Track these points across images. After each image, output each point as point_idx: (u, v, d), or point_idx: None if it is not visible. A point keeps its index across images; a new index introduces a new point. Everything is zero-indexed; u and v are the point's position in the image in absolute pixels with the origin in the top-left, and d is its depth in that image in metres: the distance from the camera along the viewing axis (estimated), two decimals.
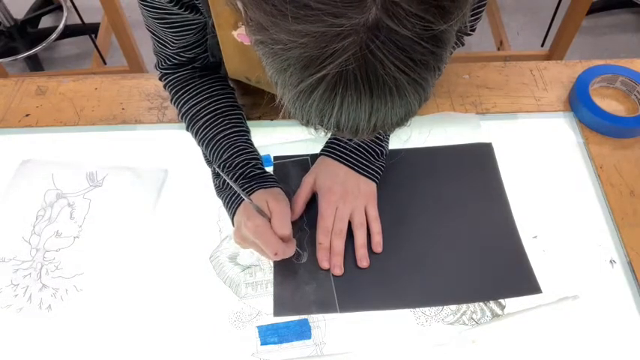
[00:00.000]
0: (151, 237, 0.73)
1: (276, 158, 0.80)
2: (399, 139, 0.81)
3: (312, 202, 0.74)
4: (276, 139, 0.82)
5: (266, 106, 0.85)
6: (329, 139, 0.77)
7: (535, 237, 0.72)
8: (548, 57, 1.81)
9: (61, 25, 2.03)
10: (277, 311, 0.67)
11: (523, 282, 0.68)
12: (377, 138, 0.75)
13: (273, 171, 0.79)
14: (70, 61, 2.15)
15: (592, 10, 1.87)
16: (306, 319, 0.66)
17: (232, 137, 0.73)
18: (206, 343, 0.65)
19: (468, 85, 0.88)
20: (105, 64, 1.93)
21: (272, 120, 0.84)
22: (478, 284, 0.68)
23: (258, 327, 0.66)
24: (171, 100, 0.79)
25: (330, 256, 0.69)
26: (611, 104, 0.85)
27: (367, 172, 0.73)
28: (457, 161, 0.79)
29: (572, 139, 0.81)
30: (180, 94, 0.77)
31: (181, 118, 0.78)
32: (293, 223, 0.72)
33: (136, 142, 0.83)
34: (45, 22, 2.20)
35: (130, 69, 1.83)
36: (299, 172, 0.78)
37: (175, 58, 0.75)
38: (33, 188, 0.78)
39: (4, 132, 0.85)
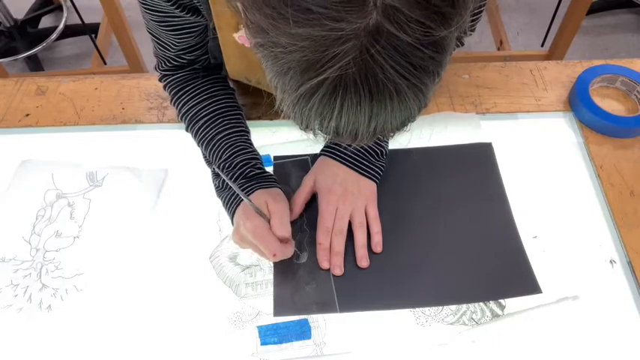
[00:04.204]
0: (150, 237, 0.73)
1: (276, 158, 0.80)
2: (400, 140, 0.81)
3: (312, 202, 0.74)
4: (276, 139, 0.82)
5: (266, 107, 0.85)
6: None
7: (535, 237, 0.72)
8: (548, 57, 1.81)
9: (61, 25, 2.03)
10: (277, 311, 0.67)
11: (523, 282, 0.68)
12: (377, 138, 0.74)
13: (273, 171, 0.79)
14: (70, 61, 2.15)
15: (592, 10, 1.88)
16: (306, 319, 0.66)
17: (232, 137, 0.73)
18: (206, 343, 0.65)
19: (468, 85, 0.88)
20: (105, 64, 1.93)
21: (272, 120, 0.84)
22: (478, 284, 0.68)
23: (258, 327, 0.66)
24: (171, 101, 0.79)
25: (330, 255, 0.69)
26: (611, 104, 0.85)
27: (367, 172, 0.73)
28: (457, 161, 0.79)
29: (572, 139, 0.81)
30: (180, 94, 0.77)
31: (181, 118, 0.78)
32: (292, 222, 0.72)
33: (136, 142, 0.83)
34: (45, 22, 2.20)
35: (130, 69, 1.83)
36: (299, 172, 0.78)
37: (176, 60, 0.75)
38: (33, 188, 0.78)
39: (4, 132, 0.85)
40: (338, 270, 0.69)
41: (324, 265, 0.69)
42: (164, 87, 0.79)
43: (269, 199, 0.66)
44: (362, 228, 0.71)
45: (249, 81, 0.76)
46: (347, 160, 0.73)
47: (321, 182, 0.73)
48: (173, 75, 0.77)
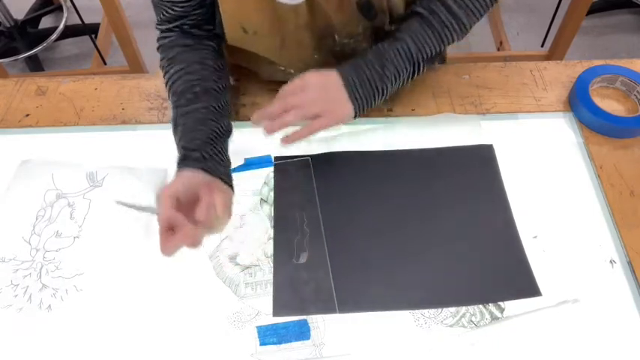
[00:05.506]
0: (150, 237, 0.73)
1: (276, 158, 0.80)
2: (401, 141, 0.81)
3: (312, 201, 0.74)
4: (276, 139, 0.82)
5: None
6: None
7: (535, 237, 0.72)
8: (548, 57, 1.81)
9: (61, 26, 2.03)
10: (276, 311, 0.67)
11: (523, 285, 0.68)
12: (384, 74, 0.73)
13: (274, 171, 0.79)
14: (70, 61, 2.15)
15: (592, 10, 1.88)
16: (305, 320, 0.66)
17: (190, 115, 0.72)
18: (205, 343, 0.65)
19: (467, 86, 0.88)
20: (105, 64, 1.93)
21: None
22: (478, 287, 0.68)
23: (257, 327, 0.66)
24: (160, 65, 0.80)
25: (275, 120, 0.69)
26: (611, 104, 0.85)
27: (353, 93, 0.72)
28: (458, 163, 0.79)
29: (572, 139, 0.81)
30: (164, 60, 0.78)
31: (165, 84, 0.79)
32: (292, 223, 0.73)
33: (136, 142, 0.83)
34: (45, 22, 2.20)
35: (130, 69, 1.83)
36: (300, 172, 0.78)
37: (168, 12, 0.76)
38: (33, 188, 0.78)
39: (4, 132, 0.85)
40: (270, 129, 0.69)
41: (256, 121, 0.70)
42: (157, 49, 0.80)
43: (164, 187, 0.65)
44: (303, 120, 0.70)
45: (245, 32, 0.75)
46: (346, 71, 0.73)
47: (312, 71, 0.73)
48: (163, 39, 0.78)
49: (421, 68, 0.76)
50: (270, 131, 0.69)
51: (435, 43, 0.74)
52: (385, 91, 0.74)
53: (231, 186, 0.71)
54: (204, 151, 0.69)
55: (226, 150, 0.73)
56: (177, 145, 0.71)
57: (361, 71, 0.73)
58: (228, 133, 0.74)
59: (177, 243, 0.60)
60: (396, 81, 0.74)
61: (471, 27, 0.75)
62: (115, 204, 0.75)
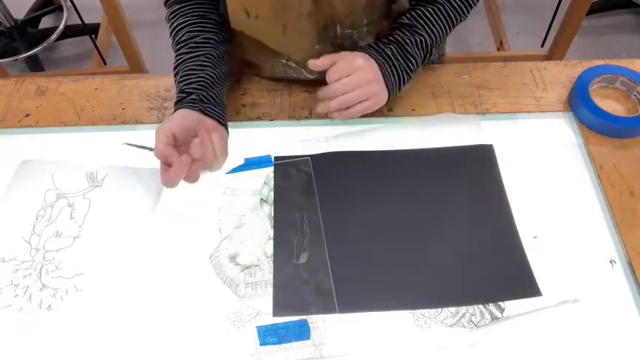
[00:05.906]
0: (151, 237, 0.73)
1: (277, 158, 0.80)
2: (401, 141, 0.81)
3: (312, 201, 0.74)
4: (276, 139, 0.82)
5: (266, 107, 0.86)
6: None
7: (535, 237, 0.72)
8: (548, 57, 1.81)
9: (62, 26, 2.03)
10: (276, 311, 0.67)
11: (523, 285, 0.68)
12: (407, 66, 0.79)
13: (274, 171, 0.79)
14: (70, 61, 2.15)
15: (592, 10, 1.88)
16: (305, 320, 0.66)
17: (189, 62, 0.75)
18: (205, 343, 0.65)
19: (467, 86, 0.88)
20: (105, 64, 1.93)
21: (272, 120, 0.84)
22: (478, 287, 0.68)
23: (257, 327, 0.66)
24: (165, 17, 0.82)
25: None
26: (611, 104, 0.85)
27: (387, 80, 0.77)
28: (458, 163, 0.79)
29: (572, 139, 0.81)
30: (169, 14, 0.81)
31: (169, 34, 0.81)
32: (292, 224, 0.72)
33: (136, 142, 0.83)
34: (45, 22, 2.21)
35: (130, 69, 1.83)
36: (300, 172, 0.78)
37: None
38: (33, 188, 0.78)
39: (4, 132, 0.85)
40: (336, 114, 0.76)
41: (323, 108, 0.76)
42: (164, 4, 0.82)
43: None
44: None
45: (248, 15, 0.77)
46: (383, 63, 0.77)
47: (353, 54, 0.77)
48: None
49: (432, 53, 0.83)
50: (336, 117, 0.77)
51: (447, 29, 0.82)
52: (407, 80, 0.80)
53: (226, 127, 0.74)
54: (201, 94, 0.73)
55: (222, 96, 0.77)
56: (176, 89, 0.74)
57: (390, 61, 0.78)
58: (225, 80, 0.78)
59: (174, 174, 0.63)
60: (414, 70, 0.81)
61: (474, 6, 0.82)
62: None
